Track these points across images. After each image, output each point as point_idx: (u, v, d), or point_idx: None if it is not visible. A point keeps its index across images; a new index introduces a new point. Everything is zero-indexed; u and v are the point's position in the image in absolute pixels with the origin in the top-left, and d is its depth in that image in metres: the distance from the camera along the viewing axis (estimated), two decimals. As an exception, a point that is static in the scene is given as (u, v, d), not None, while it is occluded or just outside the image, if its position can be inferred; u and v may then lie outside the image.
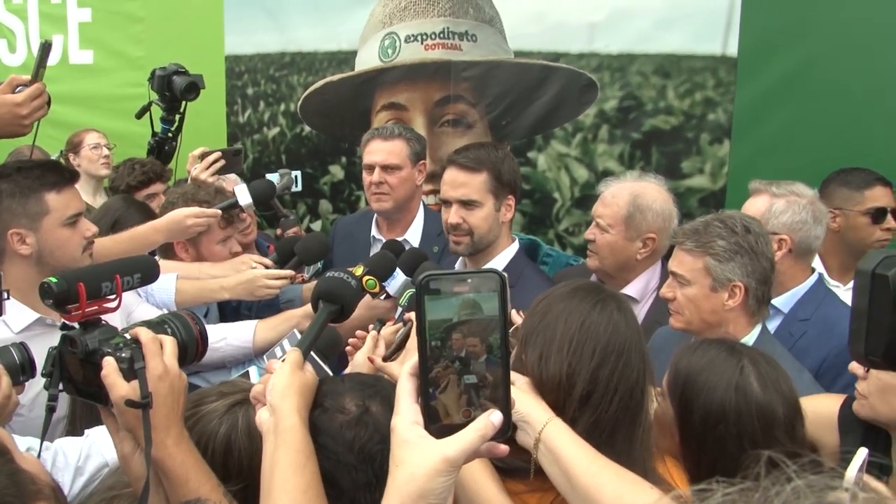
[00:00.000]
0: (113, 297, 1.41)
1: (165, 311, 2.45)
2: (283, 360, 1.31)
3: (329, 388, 1.30)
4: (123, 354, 1.29)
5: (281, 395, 1.23)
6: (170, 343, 1.35)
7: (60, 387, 1.38)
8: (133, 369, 1.28)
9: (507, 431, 0.92)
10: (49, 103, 2.18)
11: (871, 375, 1.74)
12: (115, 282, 1.41)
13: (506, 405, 0.92)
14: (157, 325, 1.41)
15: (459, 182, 2.55)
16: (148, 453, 1.25)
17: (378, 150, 3.03)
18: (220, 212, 2.70)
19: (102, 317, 1.40)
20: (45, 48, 2.16)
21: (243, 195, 2.80)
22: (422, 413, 0.92)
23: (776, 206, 2.51)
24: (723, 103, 3.41)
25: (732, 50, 3.36)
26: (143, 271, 1.53)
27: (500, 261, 2.54)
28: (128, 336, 1.34)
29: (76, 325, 1.37)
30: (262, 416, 1.24)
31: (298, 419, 1.20)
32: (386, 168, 3.00)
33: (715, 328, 2.15)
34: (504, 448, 0.94)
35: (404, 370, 0.96)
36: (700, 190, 3.49)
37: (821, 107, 3.25)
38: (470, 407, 0.91)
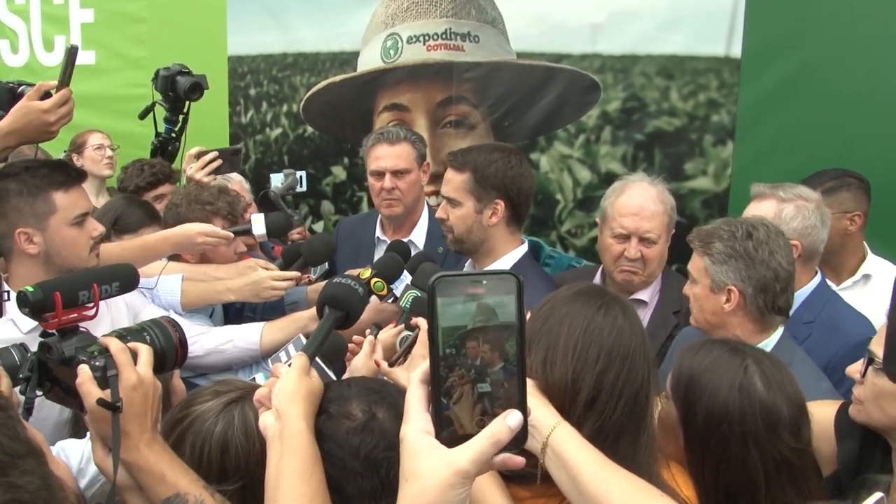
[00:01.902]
0: (91, 305, 1.42)
1: (171, 313, 2.47)
2: (289, 365, 1.30)
3: (335, 394, 1.29)
4: (97, 363, 1.30)
5: (287, 400, 1.21)
6: (145, 352, 1.36)
7: (39, 393, 1.39)
8: (106, 377, 1.29)
9: (523, 441, 0.87)
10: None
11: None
12: (92, 290, 1.41)
13: (522, 414, 0.87)
14: (136, 333, 1.42)
15: (447, 179, 2.59)
16: (116, 455, 1.27)
17: (386, 156, 3.01)
18: (232, 235, 2.68)
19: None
20: (72, 53, 2.16)
21: (259, 226, 2.78)
22: (433, 422, 0.88)
23: (786, 211, 2.49)
24: (726, 105, 3.40)
25: (736, 51, 3.35)
26: (121, 280, 1.53)
27: (503, 264, 2.53)
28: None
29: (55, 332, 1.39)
30: (267, 421, 1.22)
31: (305, 425, 1.19)
32: (396, 173, 2.99)
33: (719, 329, 2.16)
34: (520, 460, 0.88)
35: (414, 376, 0.92)
36: (703, 192, 3.48)
37: (824, 109, 3.23)
38: (484, 416, 0.86)
